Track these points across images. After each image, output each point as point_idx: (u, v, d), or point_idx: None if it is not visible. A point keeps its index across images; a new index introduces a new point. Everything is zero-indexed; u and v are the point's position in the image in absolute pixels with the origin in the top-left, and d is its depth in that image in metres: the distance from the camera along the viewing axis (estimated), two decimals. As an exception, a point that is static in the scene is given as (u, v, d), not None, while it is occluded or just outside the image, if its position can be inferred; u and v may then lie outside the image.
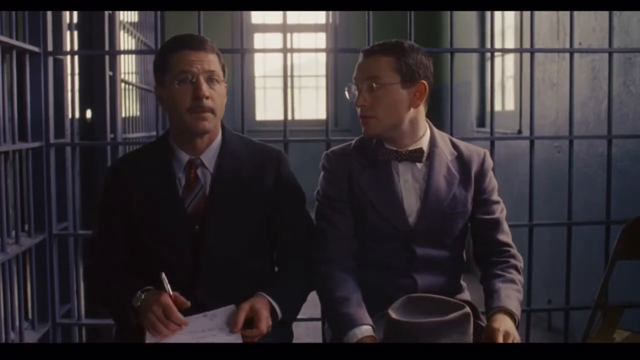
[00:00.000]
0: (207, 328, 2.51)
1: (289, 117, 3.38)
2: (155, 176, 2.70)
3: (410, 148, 2.76)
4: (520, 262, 2.79)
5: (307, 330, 3.45)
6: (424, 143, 2.79)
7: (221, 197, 2.69)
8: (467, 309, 2.42)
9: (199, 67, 2.58)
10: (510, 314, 2.54)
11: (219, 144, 2.75)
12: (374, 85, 2.66)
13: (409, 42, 2.78)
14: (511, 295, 2.62)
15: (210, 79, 2.60)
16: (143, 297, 2.51)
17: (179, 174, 2.70)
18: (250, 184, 2.74)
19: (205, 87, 2.57)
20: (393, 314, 2.43)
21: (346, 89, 2.78)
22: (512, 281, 2.70)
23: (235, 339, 2.48)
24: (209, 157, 2.72)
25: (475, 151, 2.86)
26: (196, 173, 2.70)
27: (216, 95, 2.62)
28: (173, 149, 2.72)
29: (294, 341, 2.85)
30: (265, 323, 2.52)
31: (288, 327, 2.83)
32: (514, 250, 2.82)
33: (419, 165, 2.76)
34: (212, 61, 2.62)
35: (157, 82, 2.69)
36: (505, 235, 2.84)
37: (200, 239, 2.67)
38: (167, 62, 2.60)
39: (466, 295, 2.92)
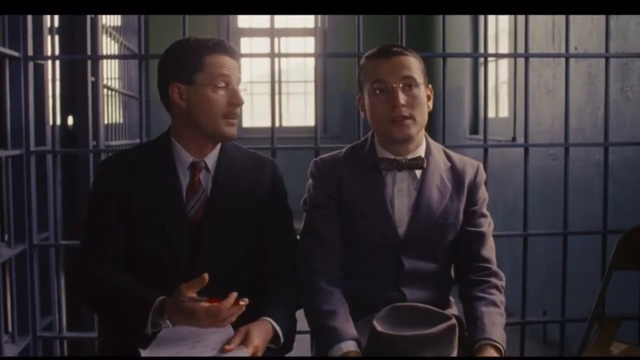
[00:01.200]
0: (201, 338, 2.45)
1: (277, 124, 3.33)
2: (157, 176, 2.66)
3: (410, 156, 2.73)
4: (501, 281, 2.76)
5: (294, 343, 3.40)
6: (422, 151, 2.76)
7: (221, 204, 2.67)
8: (453, 321, 2.42)
9: (237, 75, 2.63)
10: (496, 347, 2.51)
11: (219, 149, 2.73)
12: (411, 84, 2.65)
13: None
14: (495, 321, 2.58)
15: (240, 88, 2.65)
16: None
17: (180, 174, 2.67)
18: (247, 193, 2.73)
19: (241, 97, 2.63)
20: (378, 326, 2.41)
21: (364, 91, 2.73)
22: (494, 304, 2.66)
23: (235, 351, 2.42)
24: (211, 161, 2.71)
25: (469, 163, 2.84)
26: (199, 177, 2.67)
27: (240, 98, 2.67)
28: (177, 149, 2.69)
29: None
30: (252, 350, 2.43)
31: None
32: (495, 268, 2.77)
33: (418, 173, 2.73)
34: (240, 70, 2.68)
35: (180, 79, 2.63)
36: (489, 251, 2.80)
37: (199, 246, 2.63)
38: (203, 62, 2.60)
39: (454, 310, 2.88)
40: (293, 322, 2.69)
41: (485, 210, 2.84)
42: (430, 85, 2.75)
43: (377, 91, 2.65)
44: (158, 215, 2.62)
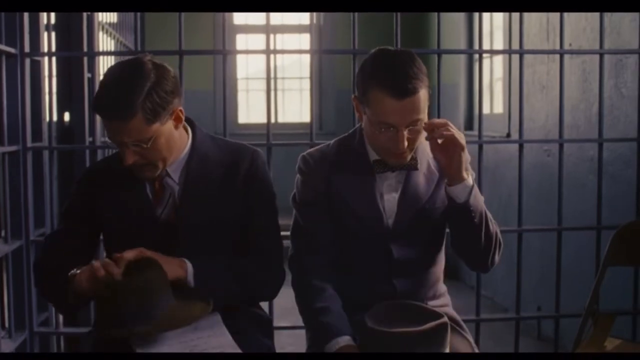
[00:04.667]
0: (195, 337, 2.45)
1: (272, 120, 3.33)
2: (125, 191, 2.64)
3: None
4: (496, 226, 2.71)
5: (289, 339, 3.41)
6: None
7: (192, 205, 2.64)
8: (445, 319, 2.40)
9: (120, 138, 2.44)
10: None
11: (188, 150, 2.68)
12: (417, 123, 2.51)
13: (410, 51, 2.60)
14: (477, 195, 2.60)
15: (137, 145, 2.46)
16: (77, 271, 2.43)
17: (147, 186, 2.65)
18: (220, 185, 2.68)
19: (131, 158, 2.47)
20: (369, 322, 2.41)
21: (365, 111, 2.57)
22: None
23: (227, 342, 2.43)
24: (174, 167, 2.64)
25: None
26: (161, 184, 2.64)
27: (150, 150, 2.49)
28: None
29: (279, 350, 2.81)
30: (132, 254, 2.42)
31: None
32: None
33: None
34: (132, 130, 2.43)
35: None
36: None
37: (176, 250, 2.60)
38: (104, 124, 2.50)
39: (446, 299, 2.88)
40: (224, 275, 2.62)
41: None
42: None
43: (382, 129, 2.52)
44: (130, 230, 2.61)
